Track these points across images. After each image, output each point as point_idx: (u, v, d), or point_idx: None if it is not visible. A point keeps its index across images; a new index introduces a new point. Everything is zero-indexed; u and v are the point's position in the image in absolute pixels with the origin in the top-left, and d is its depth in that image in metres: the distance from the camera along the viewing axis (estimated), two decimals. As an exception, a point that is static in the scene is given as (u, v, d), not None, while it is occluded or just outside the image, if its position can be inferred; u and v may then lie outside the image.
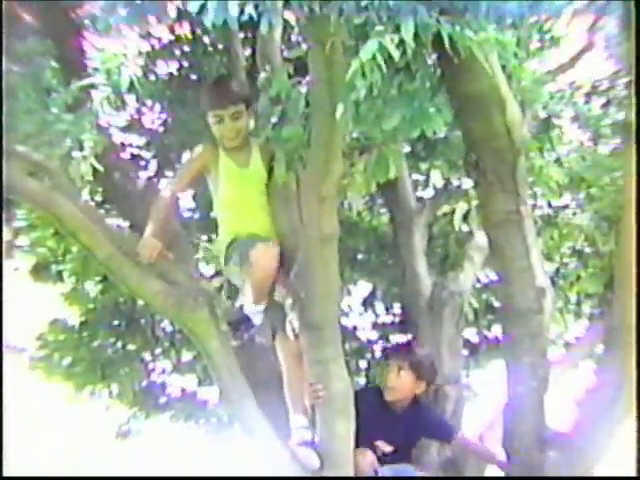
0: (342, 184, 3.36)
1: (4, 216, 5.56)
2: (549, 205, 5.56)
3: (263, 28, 2.38)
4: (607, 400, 3.47)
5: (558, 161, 4.94)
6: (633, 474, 3.26)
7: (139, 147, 5.55)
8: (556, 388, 3.97)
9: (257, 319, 3.54)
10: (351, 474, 3.50)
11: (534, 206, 5.06)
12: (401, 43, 2.43)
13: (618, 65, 4.72)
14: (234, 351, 3.57)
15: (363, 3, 2.43)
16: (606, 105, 5.21)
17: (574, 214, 5.58)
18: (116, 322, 6.08)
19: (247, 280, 3.47)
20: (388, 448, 3.99)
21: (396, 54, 2.42)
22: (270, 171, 3.59)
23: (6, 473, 3.61)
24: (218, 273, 3.82)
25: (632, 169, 3.15)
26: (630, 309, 3.25)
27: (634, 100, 3.01)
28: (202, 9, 2.25)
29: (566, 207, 5.62)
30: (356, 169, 3.37)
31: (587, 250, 5.64)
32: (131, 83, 3.60)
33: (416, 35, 2.42)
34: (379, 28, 2.46)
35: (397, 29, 2.42)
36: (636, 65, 2.88)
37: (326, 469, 3.38)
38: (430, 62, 2.94)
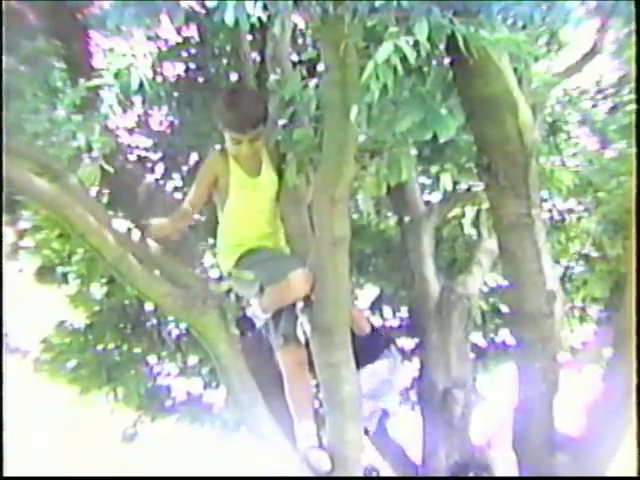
0: (353, 187, 3.35)
1: (9, 217, 5.56)
2: (556, 208, 5.55)
3: (276, 29, 2.37)
4: (616, 404, 3.47)
5: (564, 165, 4.93)
6: (634, 474, 3.26)
7: (146, 149, 5.54)
8: (565, 392, 3.96)
9: (259, 323, 3.53)
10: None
11: (541, 209, 5.05)
12: (415, 45, 2.41)
13: (624, 70, 4.73)
14: (243, 354, 3.55)
15: (377, 4, 2.41)
16: (613, 109, 5.22)
17: (579, 218, 5.57)
18: (122, 325, 6.08)
19: (270, 294, 3.42)
20: None
21: (412, 56, 2.40)
22: (280, 175, 3.54)
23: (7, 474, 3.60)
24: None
25: (633, 172, 3.15)
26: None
27: (635, 106, 3.00)
28: (218, 7, 2.23)
29: (573, 211, 5.62)
30: (367, 172, 3.35)
31: (594, 254, 5.63)
32: (140, 84, 3.57)
33: (429, 36, 2.40)
34: (393, 29, 2.44)
35: (410, 30, 2.40)
36: (637, 69, 2.88)
37: (336, 473, 3.35)
38: (443, 64, 2.93)
